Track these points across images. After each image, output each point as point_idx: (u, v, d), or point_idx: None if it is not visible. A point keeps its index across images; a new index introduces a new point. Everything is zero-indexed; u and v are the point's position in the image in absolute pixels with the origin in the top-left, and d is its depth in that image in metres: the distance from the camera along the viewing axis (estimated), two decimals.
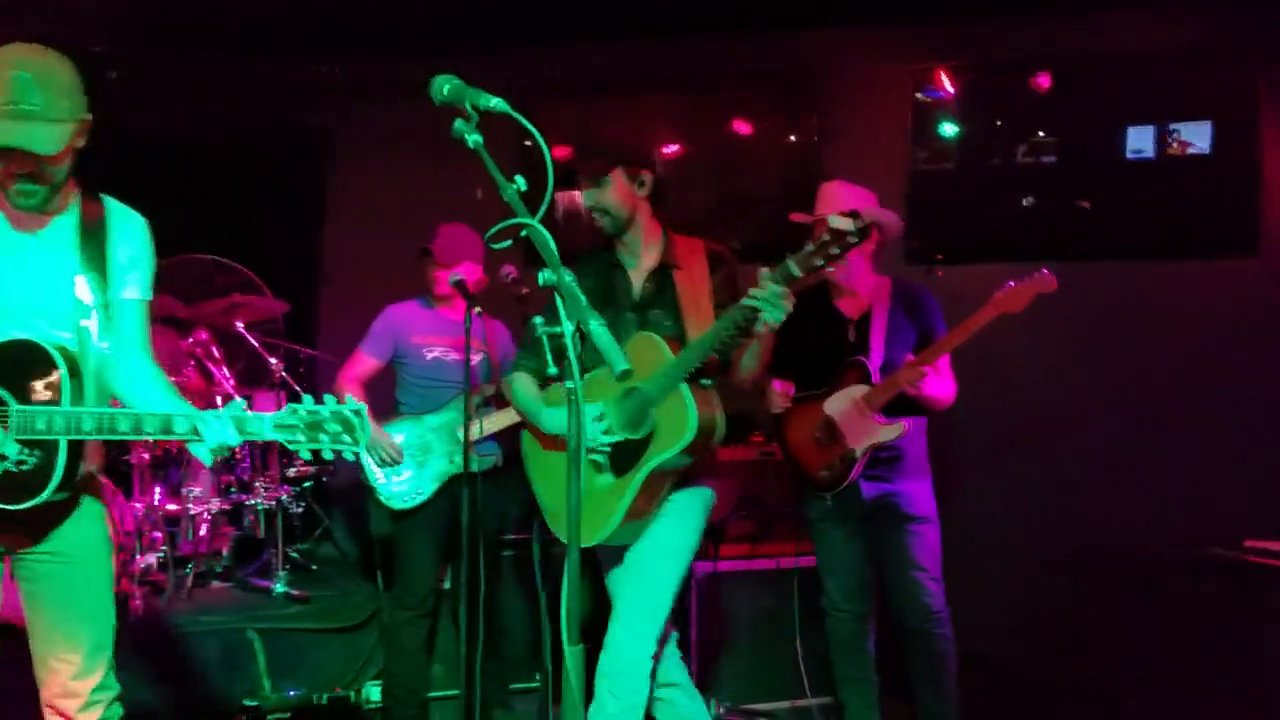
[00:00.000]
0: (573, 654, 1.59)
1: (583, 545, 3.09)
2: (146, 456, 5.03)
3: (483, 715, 4.20)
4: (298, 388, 5.53)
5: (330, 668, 4.62)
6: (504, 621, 4.50)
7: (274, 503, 5.29)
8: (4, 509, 2.41)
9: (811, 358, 3.86)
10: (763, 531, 4.57)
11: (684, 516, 3.18)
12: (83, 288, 2.51)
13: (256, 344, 5.52)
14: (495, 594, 4.22)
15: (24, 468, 2.38)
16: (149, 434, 2.46)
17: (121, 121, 5.90)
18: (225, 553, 5.36)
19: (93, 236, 2.57)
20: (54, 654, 2.62)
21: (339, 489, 5.88)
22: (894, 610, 3.89)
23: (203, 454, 2.44)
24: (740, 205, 5.89)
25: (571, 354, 1.55)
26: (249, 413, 2.41)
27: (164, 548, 4.97)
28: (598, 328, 1.53)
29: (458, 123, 1.99)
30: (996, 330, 3.59)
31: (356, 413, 2.40)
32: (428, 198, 5.53)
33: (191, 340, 5.35)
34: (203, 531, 5.23)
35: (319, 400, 2.43)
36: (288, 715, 4.40)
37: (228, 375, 5.46)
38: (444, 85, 2.00)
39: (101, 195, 2.69)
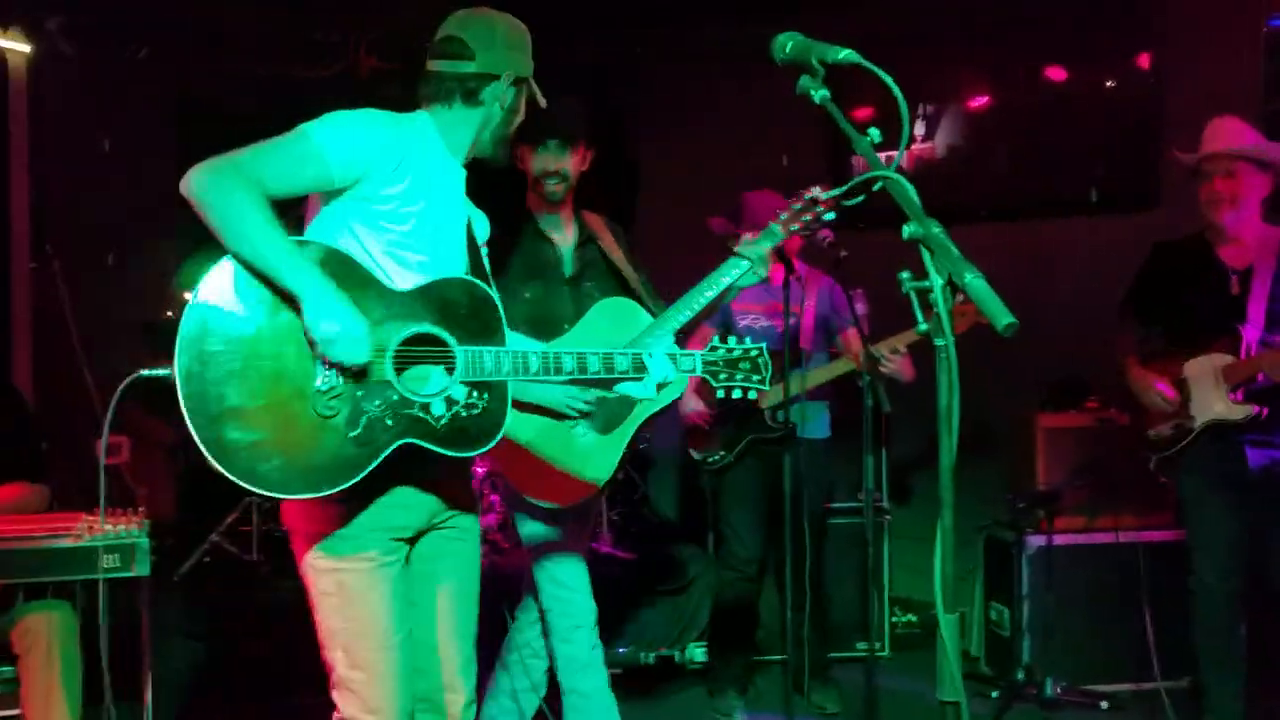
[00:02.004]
0: (947, 623, 1.53)
1: (569, 504, 3.11)
2: None
3: (804, 681, 4.22)
4: None
5: (655, 629, 4.77)
6: (828, 589, 4.47)
7: None
8: (455, 457, 2.23)
9: (1187, 310, 3.58)
10: (1101, 502, 4.30)
11: None
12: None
13: None
14: (821, 561, 4.21)
15: (473, 412, 2.23)
16: (593, 372, 2.36)
17: None
18: None
19: None
20: (442, 642, 2.44)
21: (654, 455, 6.06)
22: None
23: (646, 389, 2.45)
24: (1054, 156, 5.55)
25: (943, 309, 1.49)
26: (680, 349, 2.47)
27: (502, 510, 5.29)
28: (973, 280, 1.46)
29: (803, 79, 1.96)
30: None
31: (760, 352, 2.48)
32: (729, 166, 5.55)
33: None
34: None
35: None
36: (617, 672, 4.58)
37: None
38: (787, 43, 1.97)
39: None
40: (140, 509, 3.35)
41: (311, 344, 2.10)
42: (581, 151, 3.25)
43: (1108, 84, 5.53)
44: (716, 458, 4.23)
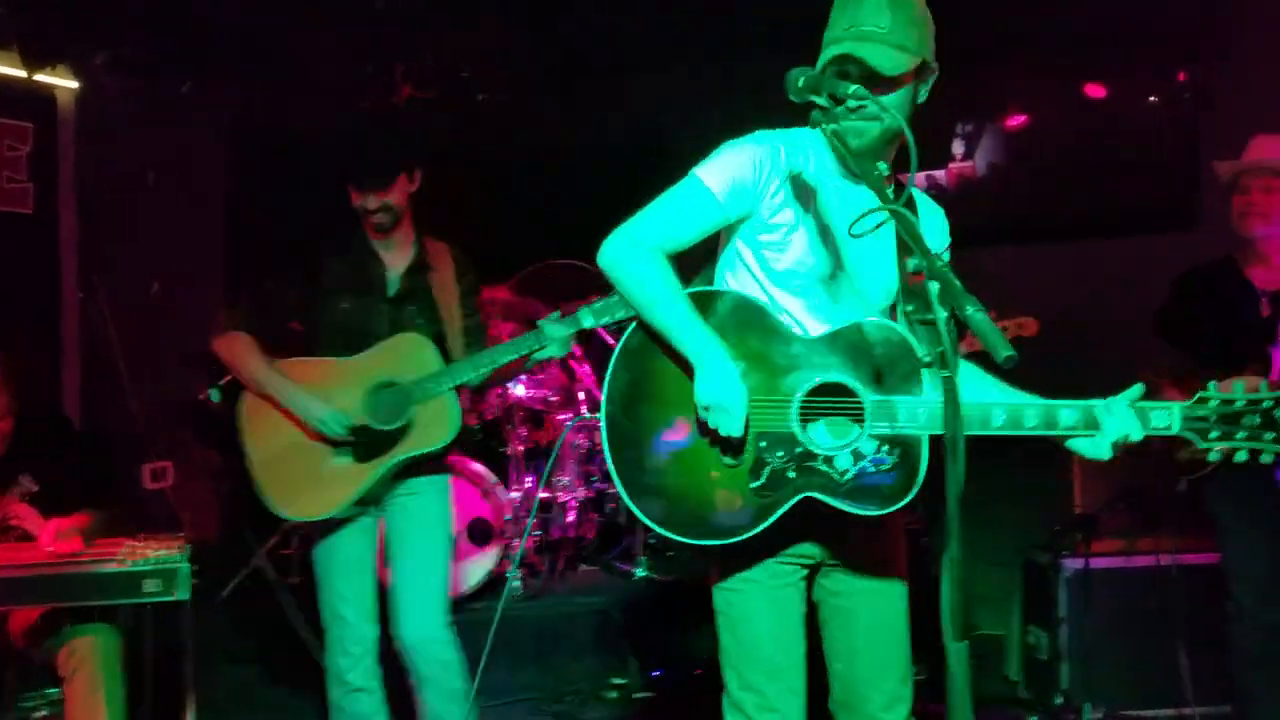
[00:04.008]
0: (956, 651, 1.54)
1: (299, 519, 3.22)
2: (521, 449, 5.41)
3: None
4: None
5: (691, 650, 4.77)
6: None
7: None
8: (856, 514, 2.13)
9: (1216, 333, 3.52)
10: (1141, 525, 4.25)
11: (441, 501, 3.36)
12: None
13: (612, 341, 5.79)
14: None
15: (881, 468, 2.11)
16: (1030, 428, 2.10)
17: (488, 137, 6.45)
18: (591, 538, 5.68)
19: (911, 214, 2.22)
20: (863, 681, 2.35)
21: None
22: None
23: (1099, 449, 2.07)
24: (1095, 175, 5.51)
25: (947, 342, 1.50)
26: (1150, 401, 2.06)
27: (538, 533, 5.34)
28: (974, 313, 1.47)
29: (814, 114, 1.99)
30: None
31: (1275, 402, 2.03)
32: None
33: None
34: (571, 518, 5.56)
35: None
36: (653, 694, 4.59)
37: (588, 371, 5.78)
38: (799, 79, 2.00)
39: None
40: (182, 533, 3.43)
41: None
42: (403, 181, 3.29)
43: (1149, 100, 5.50)
44: None
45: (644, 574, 5.25)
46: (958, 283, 1.51)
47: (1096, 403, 2.06)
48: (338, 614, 3.27)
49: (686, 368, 2.14)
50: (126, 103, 5.41)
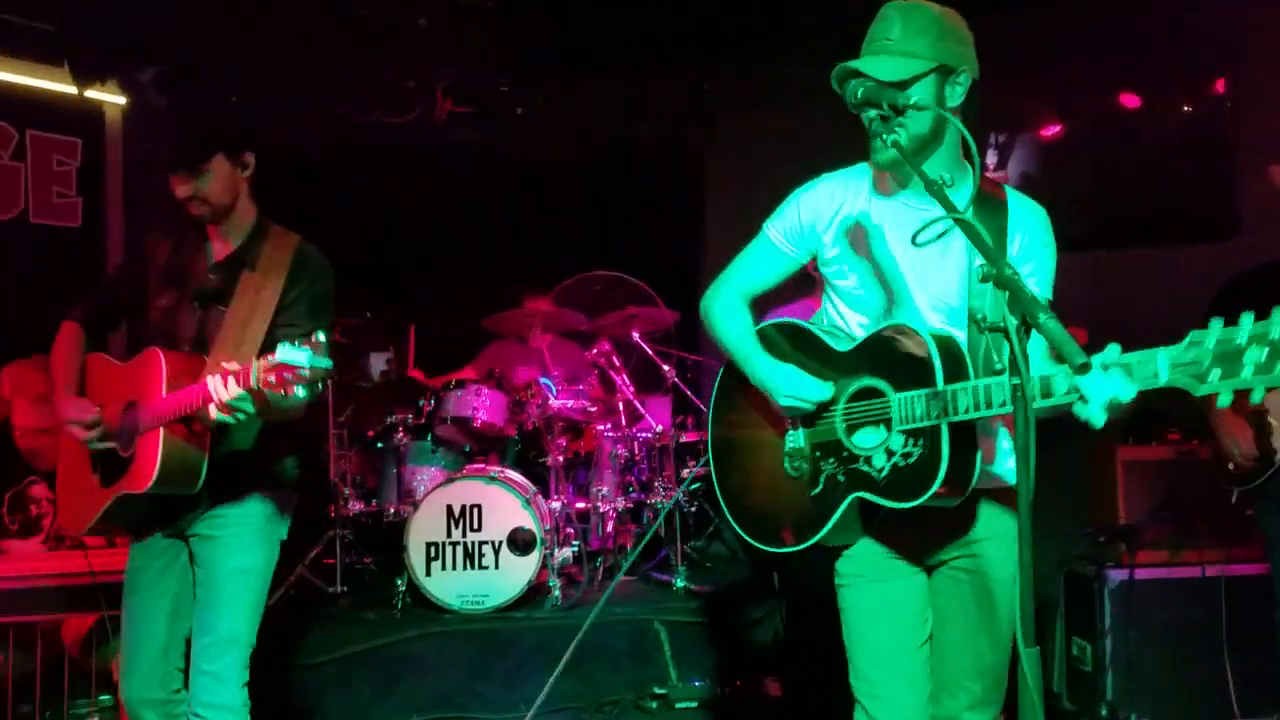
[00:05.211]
0: (1028, 656, 1.55)
1: (76, 534, 3.02)
2: (560, 459, 5.44)
3: None
4: (689, 393, 5.78)
5: (732, 661, 4.78)
6: None
7: (670, 501, 5.56)
8: (893, 507, 2.22)
9: None
10: (1184, 536, 4.23)
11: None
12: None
13: (650, 352, 5.83)
14: None
15: (909, 460, 2.19)
16: (1032, 398, 1.92)
17: (527, 150, 6.51)
18: (629, 548, 5.70)
19: (995, 218, 2.31)
20: (952, 680, 2.43)
21: None
22: None
23: (1092, 414, 1.88)
24: (1129, 182, 5.50)
25: (1018, 348, 1.52)
26: (1132, 353, 1.88)
27: (576, 542, 5.36)
28: (1047, 321, 1.48)
29: (875, 124, 2.02)
30: None
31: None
32: None
33: (595, 351, 5.74)
34: (609, 528, 5.58)
35: None
36: (694, 704, 4.60)
37: (626, 382, 5.80)
38: (858, 89, 2.04)
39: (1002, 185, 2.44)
40: None
41: (780, 415, 2.40)
42: (217, 170, 2.85)
43: (1184, 109, 5.48)
44: None
45: (683, 585, 5.26)
46: (1029, 290, 1.53)
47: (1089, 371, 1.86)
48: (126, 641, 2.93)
49: (761, 396, 2.41)
50: (171, 117, 5.49)
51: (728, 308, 2.54)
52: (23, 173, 5.37)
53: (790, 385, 2.33)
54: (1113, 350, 1.88)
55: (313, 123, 5.89)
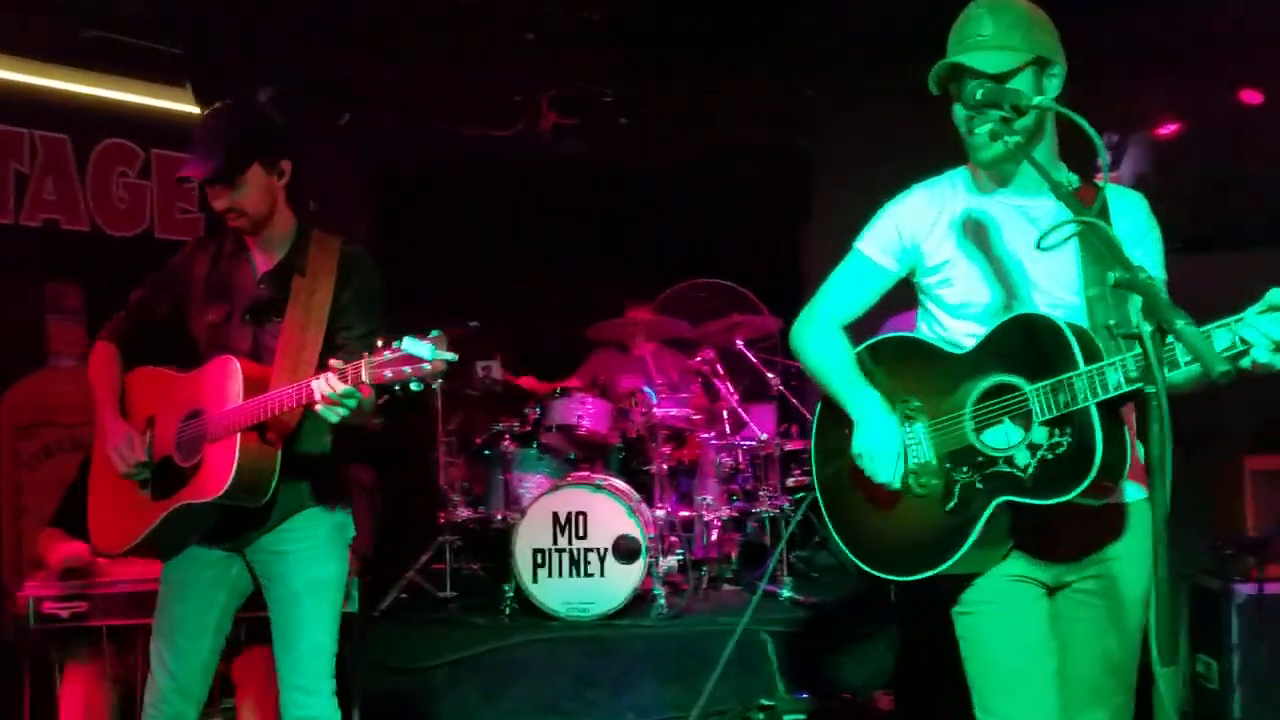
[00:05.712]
0: (1164, 676, 1.50)
1: (103, 553, 2.89)
2: (664, 467, 5.45)
3: None
4: (794, 400, 5.73)
5: (841, 672, 4.72)
6: None
7: (776, 510, 5.53)
8: (1047, 504, 2.08)
9: None
10: None
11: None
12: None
13: (755, 360, 5.81)
14: None
15: (1058, 451, 2.07)
16: (1168, 362, 1.80)
17: (631, 159, 6.55)
18: (734, 557, 5.68)
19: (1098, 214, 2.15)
20: (1074, 706, 2.30)
21: None
22: None
23: (1215, 364, 1.63)
24: (1249, 184, 5.30)
25: (1153, 356, 1.47)
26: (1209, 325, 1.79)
27: (680, 550, 5.36)
28: (1185, 327, 1.43)
29: (996, 125, 1.98)
30: None
31: None
32: None
33: (699, 359, 5.73)
34: (713, 537, 5.57)
35: None
36: (802, 717, 4.55)
37: (731, 391, 5.78)
38: (977, 90, 2.01)
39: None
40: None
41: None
42: (254, 180, 2.78)
43: None
44: None
45: (789, 595, 5.22)
46: (1164, 295, 1.48)
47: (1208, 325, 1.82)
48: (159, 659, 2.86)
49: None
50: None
51: (822, 337, 2.41)
52: (148, 190, 5.57)
53: (871, 445, 2.24)
54: (1275, 293, 1.81)
55: (422, 138, 6.01)
